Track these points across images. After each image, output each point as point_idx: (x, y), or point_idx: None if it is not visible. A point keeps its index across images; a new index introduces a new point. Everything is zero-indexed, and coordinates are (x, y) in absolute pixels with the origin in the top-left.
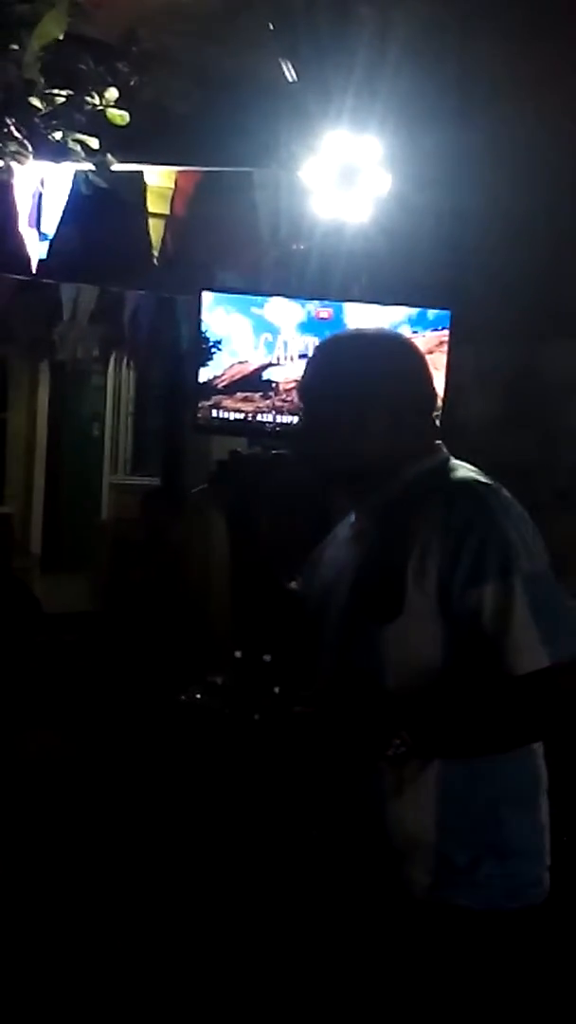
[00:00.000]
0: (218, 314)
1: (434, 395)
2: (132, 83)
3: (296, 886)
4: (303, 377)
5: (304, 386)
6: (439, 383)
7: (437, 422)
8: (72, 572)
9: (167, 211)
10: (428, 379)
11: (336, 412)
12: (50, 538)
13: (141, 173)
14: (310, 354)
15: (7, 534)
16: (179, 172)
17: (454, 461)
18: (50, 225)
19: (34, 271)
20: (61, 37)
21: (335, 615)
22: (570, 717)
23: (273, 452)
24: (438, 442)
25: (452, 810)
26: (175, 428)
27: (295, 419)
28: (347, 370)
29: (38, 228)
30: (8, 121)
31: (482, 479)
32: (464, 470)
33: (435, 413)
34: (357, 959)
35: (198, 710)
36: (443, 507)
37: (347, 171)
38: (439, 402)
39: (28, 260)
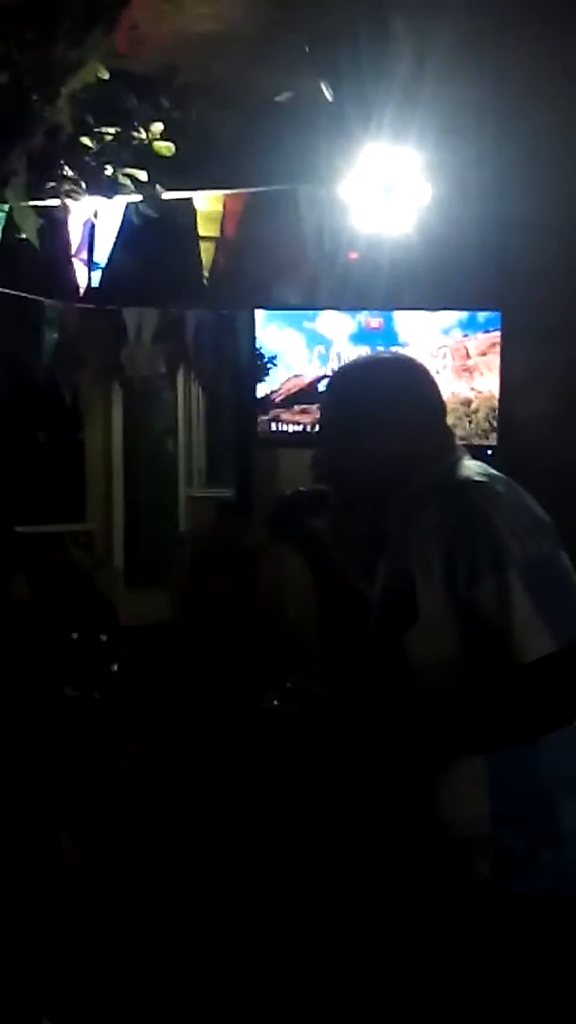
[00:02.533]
0: (271, 330)
1: (441, 403)
2: (175, 115)
3: (367, 884)
4: (322, 407)
5: (322, 417)
6: (493, 384)
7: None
8: (154, 585)
9: (217, 233)
10: (431, 389)
11: (350, 436)
12: (131, 553)
13: (191, 200)
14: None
15: (89, 550)
16: (227, 195)
17: (462, 462)
18: (103, 254)
19: (85, 298)
20: (104, 76)
21: (371, 626)
22: None
23: (308, 490)
24: (454, 445)
25: (504, 799)
26: (243, 440)
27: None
28: (353, 393)
29: (90, 258)
30: (60, 161)
31: (476, 478)
32: (463, 470)
33: (445, 420)
34: (422, 954)
35: (276, 716)
36: (435, 510)
37: (389, 183)
38: (492, 403)
39: (86, 292)
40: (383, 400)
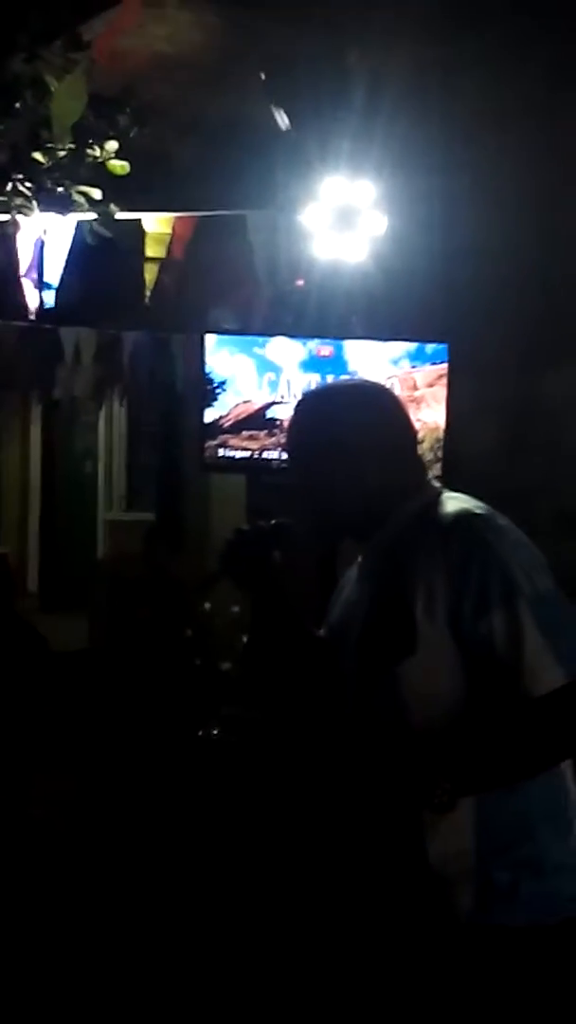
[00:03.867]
0: (221, 355)
1: (413, 433)
2: (131, 135)
3: (330, 919)
4: (288, 437)
5: (288, 449)
6: (440, 415)
7: (421, 457)
8: (71, 611)
9: (163, 255)
10: (404, 419)
11: (322, 470)
12: (47, 577)
13: (140, 221)
14: (302, 396)
15: (4, 574)
16: (177, 218)
17: (447, 494)
18: (54, 274)
19: (35, 318)
20: (80, 114)
21: (350, 654)
22: None
23: (273, 523)
24: (428, 477)
25: (489, 832)
26: (172, 465)
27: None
28: (324, 428)
29: (40, 277)
30: (15, 176)
31: (476, 510)
32: (457, 502)
33: (417, 450)
34: (406, 988)
35: (217, 745)
36: (441, 542)
37: (343, 213)
38: (438, 434)
39: (28, 308)
40: (355, 427)
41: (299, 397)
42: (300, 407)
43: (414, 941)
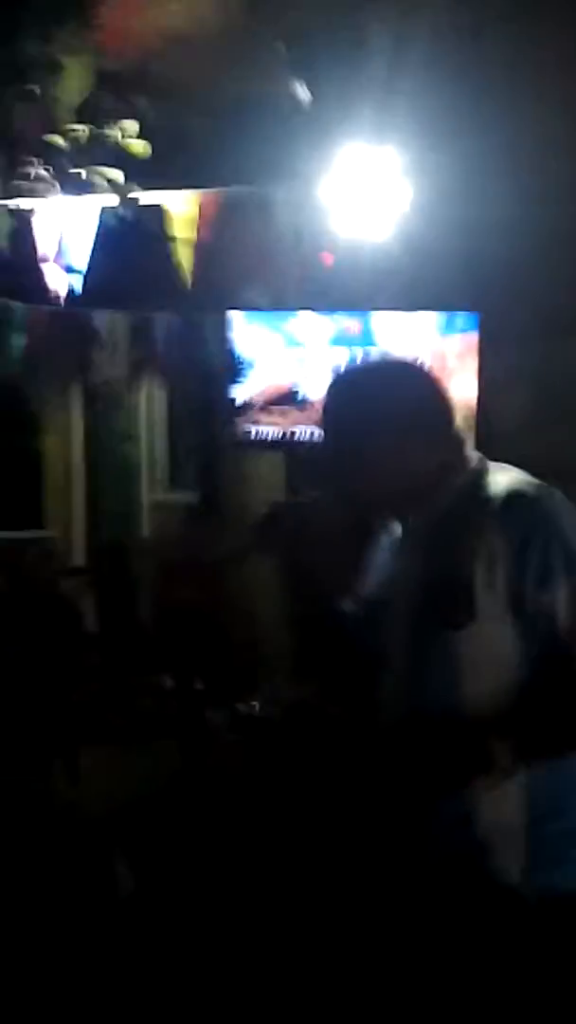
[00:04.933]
0: (249, 334)
1: (450, 407)
2: (150, 115)
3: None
4: (326, 417)
5: (330, 425)
6: (472, 385)
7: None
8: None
9: (194, 237)
10: (441, 393)
11: (360, 448)
12: (94, 560)
13: (161, 205)
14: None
15: (49, 556)
16: (202, 197)
17: (493, 465)
18: (79, 259)
19: (63, 303)
20: (84, 95)
21: (400, 629)
22: None
23: (313, 499)
24: (471, 452)
25: (538, 796)
26: (210, 445)
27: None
28: (370, 401)
29: (65, 262)
30: (34, 160)
31: (533, 482)
32: (508, 474)
33: (455, 424)
34: (450, 953)
35: (258, 722)
36: (501, 514)
37: (367, 183)
38: (470, 406)
39: (54, 294)
40: (396, 404)
41: (331, 375)
42: (335, 385)
43: (461, 907)
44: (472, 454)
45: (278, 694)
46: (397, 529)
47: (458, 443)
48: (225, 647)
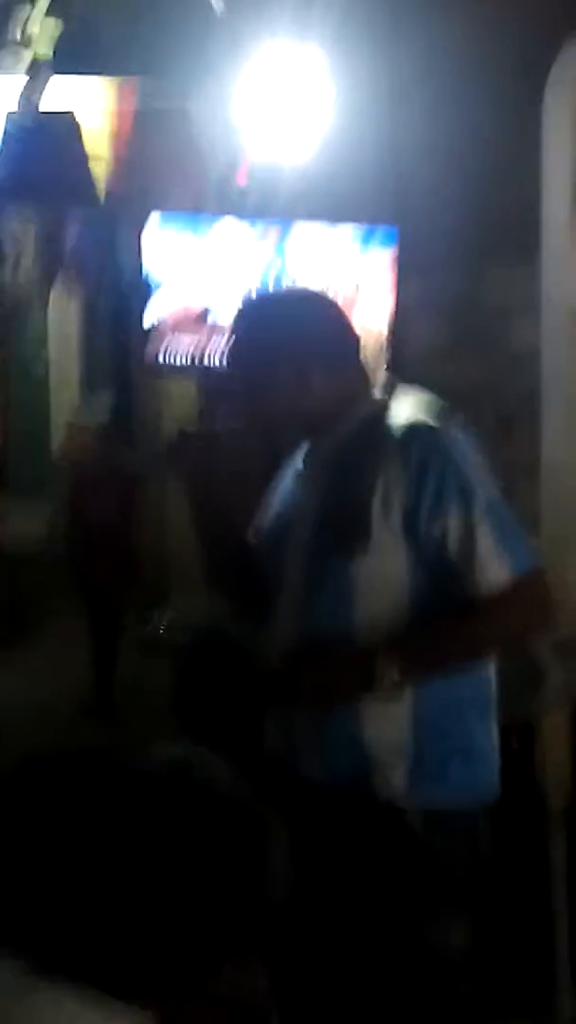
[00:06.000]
0: (163, 243)
1: (355, 338)
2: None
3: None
4: (231, 346)
5: (234, 354)
6: (388, 305)
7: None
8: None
9: (107, 152)
10: (346, 324)
11: (265, 376)
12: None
13: (72, 113)
14: (244, 302)
15: None
16: (114, 114)
17: (402, 394)
18: None
19: None
20: None
21: (297, 555)
22: (533, 623)
23: (219, 427)
24: (373, 383)
25: (426, 718)
26: (124, 364)
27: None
28: (274, 332)
29: None
30: None
31: (433, 413)
32: (411, 406)
33: (360, 355)
34: (337, 865)
35: (162, 646)
36: (400, 446)
37: (289, 84)
38: (386, 323)
39: None
40: (300, 335)
41: (239, 304)
42: (241, 315)
43: (348, 822)
44: (378, 386)
45: (185, 614)
46: (300, 460)
47: (361, 374)
48: (135, 564)
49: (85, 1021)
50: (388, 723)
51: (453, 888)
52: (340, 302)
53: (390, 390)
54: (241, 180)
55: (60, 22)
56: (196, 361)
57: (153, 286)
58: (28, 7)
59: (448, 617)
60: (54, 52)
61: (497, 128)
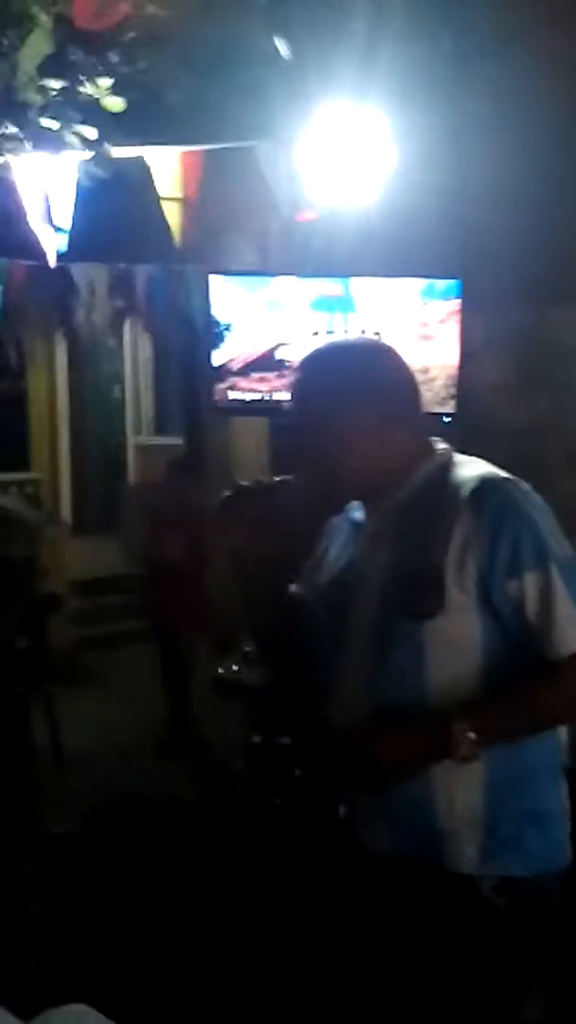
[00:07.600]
0: (227, 296)
1: (418, 393)
2: (124, 70)
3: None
4: (294, 399)
5: (294, 412)
6: (453, 352)
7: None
8: (102, 535)
9: (179, 194)
10: (410, 379)
11: (330, 434)
12: (79, 503)
13: (142, 158)
14: (319, 334)
15: (35, 498)
16: (183, 154)
17: (459, 456)
18: (63, 217)
19: (52, 263)
20: (49, 51)
21: (362, 615)
22: None
23: (276, 480)
24: (436, 438)
25: (499, 785)
26: (195, 398)
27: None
28: (330, 392)
29: (51, 221)
30: (5, 118)
31: (503, 474)
32: (476, 465)
33: (422, 409)
34: (409, 940)
35: (236, 685)
36: (472, 503)
37: (349, 144)
38: (450, 372)
39: (44, 253)
40: (370, 387)
41: (303, 358)
42: (304, 370)
43: (420, 894)
44: (440, 443)
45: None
46: (357, 513)
47: (424, 429)
48: (205, 602)
49: None
50: (460, 791)
51: (528, 959)
52: (405, 351)
53: (450, 452)
54: (303, 233)
55: (121, 101)
56: (264, 403)
57: (220, 328)
58: (90, 87)
59: (524, 681)
60: (118, 126)
61: (561, 168)
